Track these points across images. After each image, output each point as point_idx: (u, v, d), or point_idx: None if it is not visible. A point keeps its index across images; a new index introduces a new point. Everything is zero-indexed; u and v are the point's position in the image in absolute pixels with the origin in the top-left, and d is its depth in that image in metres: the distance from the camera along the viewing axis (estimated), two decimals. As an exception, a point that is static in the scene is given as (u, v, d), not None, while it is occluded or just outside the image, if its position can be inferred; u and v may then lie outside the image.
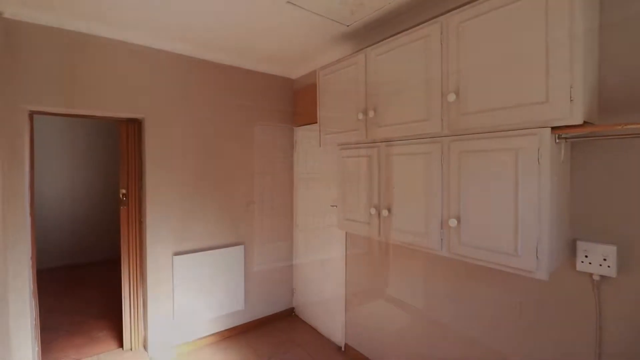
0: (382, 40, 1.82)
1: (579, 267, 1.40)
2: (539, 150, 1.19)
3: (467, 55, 1.40)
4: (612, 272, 1.31)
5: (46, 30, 2.12)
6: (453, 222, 1.44)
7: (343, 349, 2.72)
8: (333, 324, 2.86)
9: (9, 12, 1.99)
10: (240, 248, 2.96)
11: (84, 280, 4.28)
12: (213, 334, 2.85)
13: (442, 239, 1.53)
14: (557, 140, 1.25)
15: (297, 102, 3.29)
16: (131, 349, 2.62)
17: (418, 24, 1.63)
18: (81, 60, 2.24)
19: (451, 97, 1.43)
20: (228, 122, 2.90)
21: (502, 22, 1.28)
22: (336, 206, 2.23)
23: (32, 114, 2.20)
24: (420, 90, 1.59)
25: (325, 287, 2.97)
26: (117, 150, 4.83)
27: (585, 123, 1.17)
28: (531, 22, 1.19)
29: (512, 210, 1.27)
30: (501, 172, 1.30)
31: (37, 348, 2.23)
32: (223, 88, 2.87)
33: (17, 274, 2.06)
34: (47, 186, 4.63)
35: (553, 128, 1.18)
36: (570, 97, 1.11)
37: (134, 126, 2.57)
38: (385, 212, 1.78)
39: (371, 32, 2.33)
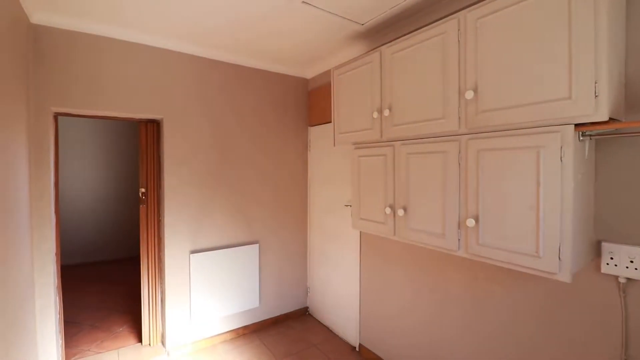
0: (397, 38, 1.80)
1: (604, 269, 1.35)
2: (561, 148, 1.16)
3: (486, 51, 1.37)
4: (639, 275, 1.26)
5: (70, 34, 2.20)
6: (471, 222, 1.41)
7: (357, 349, 2.71)
8: (347, 324, 2.85)
9: (36, 18, 2.07)
10: (255, 247, 2.99)
11: (106, 277, 4.41)
12: (228, 331, 2.89)
13: (459, 239, 1.50)
14: (581, 138, 1.21)
15: (311, 102, 3.30)
16: (150, 344, 2.68)
17: (434, 21, 1.61)
18: (102, 63, 2.31)
19: (469, 95, 1.41)
20: (243, 122, 2.94)
21: (522, 17, 1.25)
22: (350, 206, 2.23)
23: (56, 116, 2.28)
24: (437, 88, 1.57)
25: (339, 287, 2.97)
26: (137, 150, 4.98)
27: (611, 120, 1.13)
28: (553, 15, 1.16)
29: (533, 210, 1.23)
30: (522, 171, 1.26)
31: (60, 341, 2.31)
32: (239, 89, 2.90)
33: (43, 270, 2.14)
34: (70, 185, 4.79)
35: (576, 125, 1.15)
36: (595, 93, 1.07)
37: (153, 127, 2.63)
38: (400, 212, 1.76)
39: (386, 31, 2.31)
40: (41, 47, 2.11)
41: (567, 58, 1.13)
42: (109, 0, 1.94)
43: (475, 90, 1.40)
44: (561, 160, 1.16)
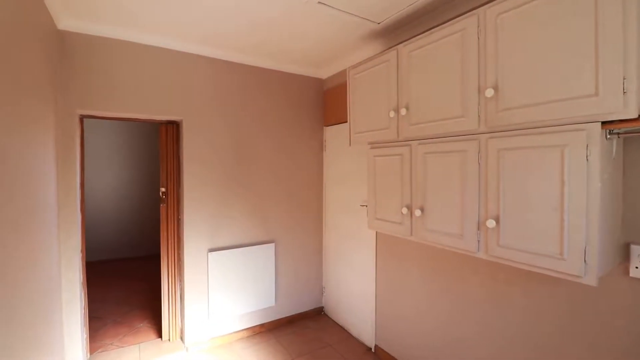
0: (414, 36, 1.78)
1: (633, 272, 1.29)
2: (587, 146, 1.12)
3: (507, 48, 1.34)
4: (672, 280, 1.20)
5: (94, 39, 2.28)
6: (491, 223, 1.38)
7: (373, 350, 2.70)
8: (363, 325, 2.84)
9: (62, 24, 2.16)
10: (271, 246, 3.02)
11: (128, 274, 4.55)
12: (245, 329, 2.93)
13: (478, 241, 1.47)
14: (608, 136, 1.17)
15: (326, 102, 3.30)
16: (169, 340, 2.75)
17: (452, 19, 1.58)
18: (125, 67, 2.38)
19: (489, 93, 1.37)
20: (260, 123, 2.97)
21: (545, 11, 1.21)
22: (366, 206, 2.22)
23: (82, 118, 2.37)
24: (456, 86, 1.54)
25: (355, 287, 2.96)
26: (157, 151, 5.11)
27: (641, 117, 1.08)
28: (578, 8, 1.12)
29: (557, 210, 1.19)
30: (545, 171, 1.23)
31: (85, 335, 2.40)
32: (255, 90, 2.94)
33: (69, 265, 2.23)
34: (94, 185, 4.96)
35: (603, 123, 1.10)
36: (623, 90, 1.03)
37: (173, 128, 2.70)
38: (417, 212, 1.74)
39: (402, 29, 2.29)
40: (67, 52, 2.20)
41: (593, 53, 1.09)
42: (130, 8, 2.00)
43: (495, 88, 1.37)
44: (587, 160, 1.12)
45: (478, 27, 1.44)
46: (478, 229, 1.47)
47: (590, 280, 1.13)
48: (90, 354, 2.54)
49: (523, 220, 1.30)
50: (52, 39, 2.01)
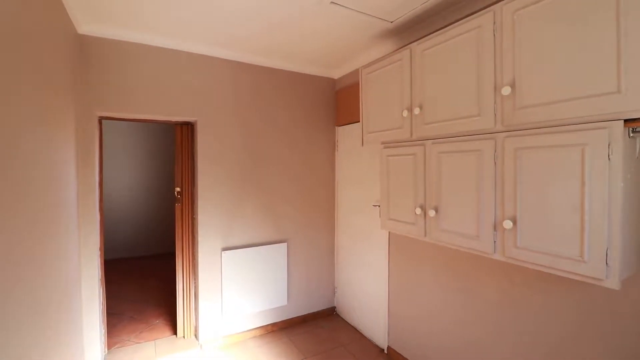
0: (427, 35, 1.77)
1: (658, 276, 1.24)
2: (609, 145, 1.08)
3: (524, 44, 1.31)
4: (700, 284, 1.15)
5: (112, 43, 2.34)
6: (508, 224, 1.35)
7: (386, 351, 2.68)
8: (375, 326, 2.83)
9: (82, 29, 2.22)
10: (284, 245, 3.04)
11: (144, 271, 4.65)
12: (257, 328, 2.95)
13: (494, 242, 1.44)
14: (631, 134, 1.13)
15: (339, 102, 3.30)
16: (184, 337, 2.80)
17: (466, 16, 1.56)
18: (141, 70, 2.44)
19: (506, 91, 1.35)
20: (273, 123, 2.99)
21: (564, 8, 1.18)
22: (379, 206, 2.20)
23: (100, 119, 2.44)
24: (471, 84, 1.52)
25: (367, 288, 2.94)
26: (173, 151, 5.20)
27: (667, 114, 1.04)
28: (598, 4, 1.09)
29: (577, 211, 1.16)
30: (564, 170, 1.19)
31: (103, 330, 2.47)
32: (268, 90, 2.96)
33: (89, 262, 2.30)
34: (112, 185, 5.09)
35: (626, 121, 1.07)
36: (648, 86, 1.00)
37: (188, 129, 2.75)
38: (432, 213, 1.72)
39: (416, 28, 2.27)
40: (86, 56, 2.26)
41: (615, 49, 1.05)
42: (147, 12, 2.04)
43: (512, 86, 1.34)
44: (609, 159, 1.08)
45: (494, 24, 1.41)
46: (494, 229, 1.44)
47: (612, 283, 1.10)
48: (108, 349, 2.61)
49: (541, 221, 1.27)
50: (73, 42, 2.07)
